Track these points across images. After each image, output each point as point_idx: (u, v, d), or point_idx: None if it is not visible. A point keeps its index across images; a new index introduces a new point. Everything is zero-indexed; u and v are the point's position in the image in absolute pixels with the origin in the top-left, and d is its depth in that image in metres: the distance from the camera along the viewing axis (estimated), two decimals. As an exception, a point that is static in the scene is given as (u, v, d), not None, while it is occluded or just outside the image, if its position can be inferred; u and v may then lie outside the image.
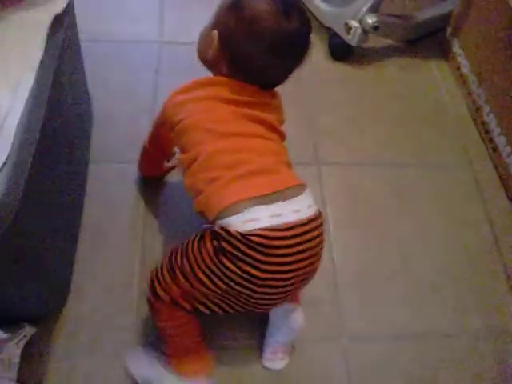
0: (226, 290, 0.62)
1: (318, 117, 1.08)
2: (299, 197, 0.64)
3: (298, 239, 0.61)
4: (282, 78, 0.71)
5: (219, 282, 0.62)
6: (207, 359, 0.73)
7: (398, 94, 1.15)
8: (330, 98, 1.12)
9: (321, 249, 0.66)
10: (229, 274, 0.61)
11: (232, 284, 0.61)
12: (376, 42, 1.20)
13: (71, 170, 0.82)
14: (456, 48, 1.19)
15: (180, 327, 0.69)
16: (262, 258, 0.59)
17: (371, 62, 1.19)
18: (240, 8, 0.65)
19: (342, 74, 1.16)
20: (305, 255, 0.62)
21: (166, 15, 1.22)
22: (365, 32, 1.10)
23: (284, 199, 0.62)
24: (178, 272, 0.65)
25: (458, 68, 1.18)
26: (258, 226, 0.59)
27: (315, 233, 0.64)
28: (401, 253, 0.91)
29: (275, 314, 0.76)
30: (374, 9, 1.09)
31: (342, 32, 1.13)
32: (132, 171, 0.94)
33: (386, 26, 1.11)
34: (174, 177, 0.94)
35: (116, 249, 0.86)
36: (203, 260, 0.62)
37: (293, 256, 0.61)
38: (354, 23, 1.09)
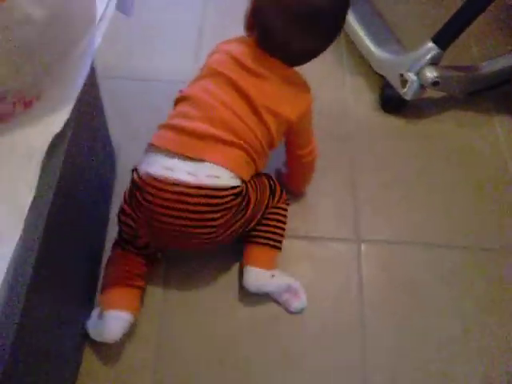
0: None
1: (361, 180, 0.96)
2: (201, 164, 0.67)
3: (174, 196, 0.66)
4: (306, 56, 0.73)
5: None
6: (134, 296, 0.74)
7: (453, 155, 1.02)
8: (377, 157, 1.00)
9: (202, 214, 0.68)
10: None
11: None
12: (432, 91, 1.07)
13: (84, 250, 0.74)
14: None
15: (115, 259, 0.77)
16: (139, 195, 0.68)
17: (426, 115, 1.07)
18: None
19: (392, 129, 1.04)
20: (183, 213, 0.67)
21: (202, 54, 1.12)
22: (422, 86, 0.97)
23: (185, 159, 0.67)
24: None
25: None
26: (146, 169, 0.68)
27: (195, 200, 0.67)
28: (441, 360, 0.78)
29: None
30: (435, 60, 0.96)
31: (396, 83, 1.01)
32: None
33: (447, 81, 0.98)
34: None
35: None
36: None
37: (167, 209, 0.67)
38: (411, 76, 0.97)
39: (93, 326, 0.73)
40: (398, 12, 1.23)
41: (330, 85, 1.10)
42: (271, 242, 0.81)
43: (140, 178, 0.68)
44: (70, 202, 0.60)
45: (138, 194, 0.69)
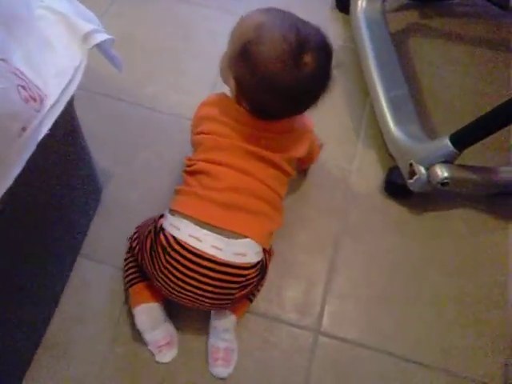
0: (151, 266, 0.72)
1: (340, 267, 0.91)
2: (229, 240, 0.68)
3: (197, 267, 0.67)
4: (299, 113, 0.73)
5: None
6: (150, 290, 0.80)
7: (453, 261, 0.94)
8: (365, 243, 0.94)
9: (221, 289, 0.69)
10: (145, 248, 0.72)
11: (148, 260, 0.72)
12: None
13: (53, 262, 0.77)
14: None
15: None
16: (161, 253, 0.68)
17: (432, 207, 0.98)
18: (250, 63, 0.64)
19: (390, 215, 0.97)
20: (201, 285, 0.68)
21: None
22: (429, 182, 0.90)
23: (215, 233, 0.67)
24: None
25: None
26: (173, 233, 0.68)
27: (218, 275, 0.67)
28: None
29: (212, 317, 0.82)
30: (449, 159, 0.88)
31: (404, 170, 0.94)
32: (120, 278, 0.86)
33: (458, 183, 0.89)
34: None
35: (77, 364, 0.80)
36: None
37: (186, 276, 0.67)
38: (421, 169, 0.89)
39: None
40: (437, 90, 1.14)
41: (339, 150, 1.04)
42: (251, 296, 0.84)
43: (167, 240, 0.68)
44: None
45: (160, 252, 0.69)
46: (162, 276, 0.70)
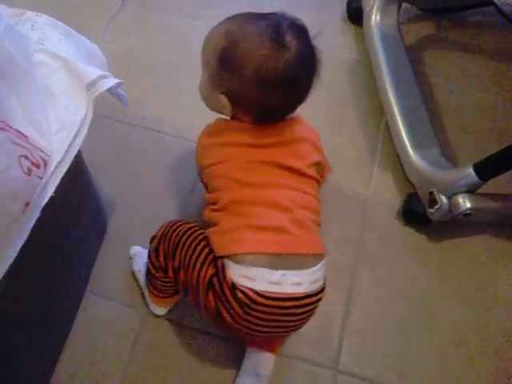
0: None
1: (358, 299, 0.87)
2: (306, 270, 0.62)
3: (281, 310, 0.61)
4: (301, 102, 0.69)
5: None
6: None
7: (477, 291, 0.89)
8: (381, 272, 0.90)
9: (303, 319, 0.65)
10: (208, 303, 0.63)
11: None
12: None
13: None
14: None
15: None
16: (240, 311, 0.61)
17: (452, 235, 0.94)
18: (231, 65, 0.61)
19: (408, 243, 0.93)
20: (284, 323, 0.64)
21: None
22: (451, 212, 0.86)
23: (290, 267, 0.61)
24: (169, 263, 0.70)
25: None
26: (250, 286, 0.60)
27: (302, 309, 0.63)
28: None
29: (248, 355, 0.78)
30: (472, 189, 0.84)
31: (424, 197, 0.89)
32: (128, 316, 0.83)
33: (482, 213, 0.85)
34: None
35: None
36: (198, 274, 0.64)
37: (269, 321, 0.62)
38: (442, 199, 0.85)
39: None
40: (454, 107, 1.09)
41: (354, 173, 1.00)
42: None
43: (247, 296, 0.60)
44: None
45: (237, 308, 0.61)
46: (239, 326, 0.63)
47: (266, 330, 0.64)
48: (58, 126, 0.47)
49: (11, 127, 0.42)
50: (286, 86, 0.63)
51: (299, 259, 0.62)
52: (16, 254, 0.42)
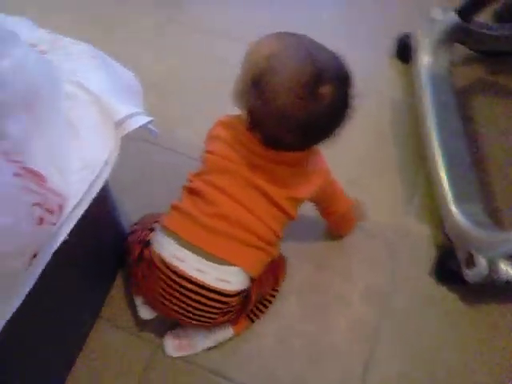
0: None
1: (379, 364, 0.80)
2: (212, 263, 0.66)
3: (180, 288, 0.67)
4: (315, 144, 0.69)
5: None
6: None
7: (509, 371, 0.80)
8: (408, 338, 0.83)
9: (205, 311, 0.69)
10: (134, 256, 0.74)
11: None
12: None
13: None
14: None
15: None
16: (144, 266, 0.71)
17: (489, 299, 0.86)
18: (263, 96, 0.60)
19: (442, 304, 0.86)
20: (183, 304, 0.68)
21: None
22: (490, 276, 0.79)
23: (198, 254, 0.66)
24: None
25: None
26: (157, 251, 0.68)
27: (202, 299, 0.67)
28: None
29: None
30: (516, 256, 0.77)
31: (461, 256, 0.83)
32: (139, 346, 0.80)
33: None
34: None
35: None
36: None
37: (169, 294, 0.68)
38: (482, 261, 0.78)
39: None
40: (503, 162, 1.02)
41: (388, 221, 0.94)
42: (253, 317, 0.82)
43: (151, 256, 0.69)
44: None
45: (145, 266, 0.71)
46: (146, 284, 0.71)
47: (165, 302, 0.69)
48: (80, 165, 0.45)
49: (28, 169, 0.39)
50: (304, 130, 0.62)
51: (211, 256, 0.66)
52: (22, 300, 0.40)
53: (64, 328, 0.72)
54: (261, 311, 0.83)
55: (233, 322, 0.80)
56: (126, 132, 0.47)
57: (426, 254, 0.90)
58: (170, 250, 0.67)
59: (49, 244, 0.40)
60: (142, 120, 0.48)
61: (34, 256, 0.38)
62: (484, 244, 0.80)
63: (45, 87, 0.46)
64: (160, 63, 1.15)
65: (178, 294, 0.68)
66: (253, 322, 0.83)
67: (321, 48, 0.62)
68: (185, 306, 0.69)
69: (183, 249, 0.66)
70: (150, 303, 0.75)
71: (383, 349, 0.82)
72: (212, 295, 0.67)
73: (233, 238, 0.67)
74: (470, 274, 0.80)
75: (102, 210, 0.66)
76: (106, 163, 0.46)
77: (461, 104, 1.01)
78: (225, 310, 0.71)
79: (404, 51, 1.10)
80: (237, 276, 0.69)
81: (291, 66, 0.59)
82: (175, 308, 0.70)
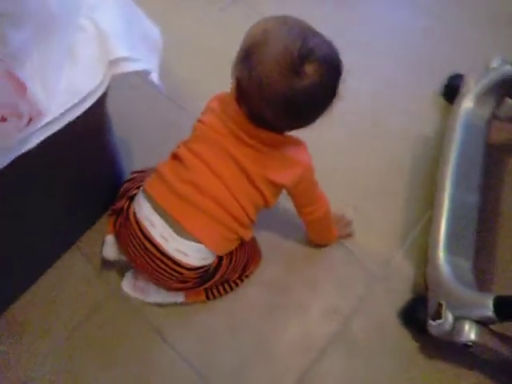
0: None
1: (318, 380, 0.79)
2: (177, 236, 0.69)
3: (143, 246, 0.72)
4: (293, 128, 0.70)
5: None
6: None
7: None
8: (355, 363, 0.81)
9: (166, 280, 0.75)
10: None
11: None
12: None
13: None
14: None
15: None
16: (122, 219, 0.76)
17: (445, 356, 0.82)
18: (250, 65, 0.61)
19: (398, 343, 0.83)
20: (140, 258, 0.73)
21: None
22: (451, 334, 0.75)
23: (165, 221, 0.70)
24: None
25: None
26: (135, 210, 0.73)
27: (158, 262, 0.72)
28: None
29: None
30: (485, 321, 0.73)
31: (431, 305, 0.80)
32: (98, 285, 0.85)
33: (483, 350, 0.74)
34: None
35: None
36: None
37: (135, 248, 0.73)
38: (448, 316, 0.75)
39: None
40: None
41: (375, 248, 0.92)
42: (209, 293, 0.84)
43: (128, 211, 0.75)
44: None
45: (124, 217, 0.76)
46: (120, 232, 0.77)
47: (132, 255, 0.75)
48: (65, 89, 0.48)
49: (11, 73, 0.43)
50: (283, 108, 0.63)
51: (177, 226, 0.69)
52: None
53: (36, 243, 0.77)
54: (219, 293, 0.84)
55: (187, 291, 0.82)
56: (118, 72, 0.50)
57: (401, 293, 0.88)
58: (145, 213, 0.72)
59: (7, 146, 0.44)
60: (136, 66, 0.51)
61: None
62: (457, 300, 0.76)
63: (60, 13, 0.49)
64: (214, 39, 1.18)
65: (142, 253, 0.73)
66: (208, 299, 0.84)
67: (318, 34, 0.63)
68: (145, 265, 0.74)
69: (156, 214, 0.70)
70: (121, 248, 0.80)
71: (324, 366, 0.81)
72: (169, 263, 0.71)
73: (203, 210, 0.69)
74: (433, 325, 0.77)
75: (95, 142, 0.70)
76: (92, 92, 0.49)
77: (490, 160, 0.97)
78: (180, 279, 0.74)
79: (451, 91, 1.07)
80: (197, 252, 0.71)
81: (282, 40, 0.60)
82: (138, 262, 0.75)
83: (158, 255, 0.71)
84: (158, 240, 0.70)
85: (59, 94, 0.48)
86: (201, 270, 0.74)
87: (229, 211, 0.70)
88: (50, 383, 0.78)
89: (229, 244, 0.76)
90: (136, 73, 0.52)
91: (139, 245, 0.73)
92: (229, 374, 0.80)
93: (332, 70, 0.63)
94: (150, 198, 0.72)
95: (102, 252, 0.83)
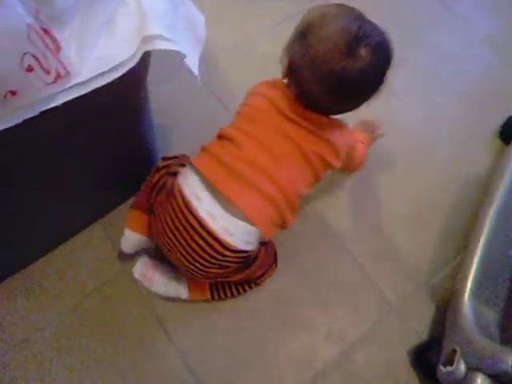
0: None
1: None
2: (226, 213, 0.66)
3: (185, 223, 0.67)
4: (344, 112, 0.71)
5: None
6: (145, 222, 0.82)
7: None
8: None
9: (201, 264, 0.69)
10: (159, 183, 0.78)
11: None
12: None
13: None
14: None
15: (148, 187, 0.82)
16: (164, 194, 0.73)
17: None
18: (306, 43, 0.64)
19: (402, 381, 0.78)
20: (178, 236, 0.68)
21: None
22: (463, 383, 0.69)
23: (220, 201, 0.66)
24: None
25: None
26: (181, 183, 0.69)
27: (202, 242, 0.67)
28: None
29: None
30: (501, 379, 0.66)
31: (444, 349, 0.74)
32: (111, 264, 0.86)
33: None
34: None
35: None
36: None
37: (175, 226, 0.68)
38: (461, 365, 0.68)
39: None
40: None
41: (396, 279, 0.87)
42: (215, 294, 0.82)
43: (173, 186, 0.71)
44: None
45: (164, 194, 0.73)
46: (159, 210, 0.73)
47: (170, 235, 0.69)
48: (97, 55, 0.50)
49: (48, 31, 0.45)
50: (333, 87, 0.64)
51: (227, 204, 0.66)
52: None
53: (65, 209, 0.80)
54: (226, 295, 0.82)
55: (193, 289, 0.81)
56: (151, 48, 0.52)
57: (415, 332, 0.82)
58: (193, 186, 0.68)
59: (35, 98, 0.47)
60: (168, 45, 0.52)
61: (13, 94, 0.44)
62: (474, 349, 0.70)
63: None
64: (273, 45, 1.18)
65: (184, 231, 0.68)
66: (213, 299, 0.82)
67: (373, 23, 0.65)
68: (184, 243, 0.68)
69: (205, 189, 0.67)
70: (156, 229, 0.74)
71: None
72: (211, 241, 0.66)
73: (256, 187, 0.67)
74: (443, 372, 0.71)
75: (130, 117, 0.73)
76: (122, 64, 0.51)
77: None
78: (220, 263, 0.69)
79: (508, 132, 1.00)
80: (243, 233, 0.67)
81: (340, 22, 0.63)
82: (175, 242, 0.70)
83: (202, 232, 0.66)
84: (204, 215, 0.66)
85: (91, 60, 0.51)
86: (242, 255, 0.69)
87: (281, 188, 0.68)
88: (50, 346, 0.80)
89: (272, 229, 0.71)
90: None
91: (183, 221, 0.67)
92: (221, 376, 0.78)
93: (384, 57, 0.65)
94: (198, 173, 0.69)
95: (120, 244, 0.82)
